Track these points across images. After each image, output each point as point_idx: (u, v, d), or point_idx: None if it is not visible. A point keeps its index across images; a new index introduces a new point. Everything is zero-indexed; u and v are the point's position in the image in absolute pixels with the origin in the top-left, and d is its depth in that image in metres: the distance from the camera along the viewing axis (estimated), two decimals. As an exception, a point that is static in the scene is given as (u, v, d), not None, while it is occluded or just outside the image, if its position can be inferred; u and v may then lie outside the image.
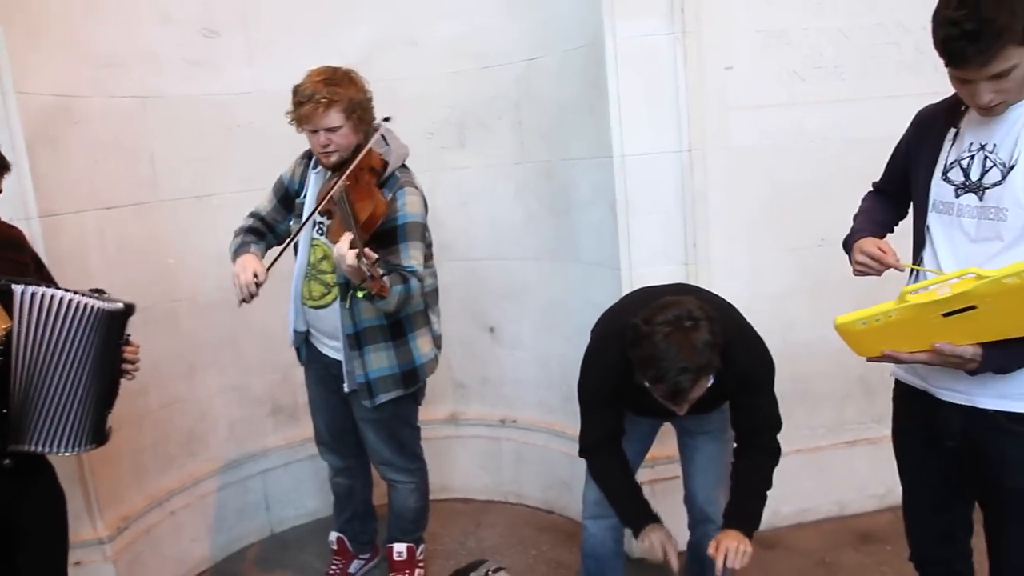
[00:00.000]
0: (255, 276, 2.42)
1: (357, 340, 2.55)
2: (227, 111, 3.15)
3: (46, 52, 2.69)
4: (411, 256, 2.46)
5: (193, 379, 3.22)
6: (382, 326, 2.56)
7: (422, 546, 3.01)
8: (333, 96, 2.39)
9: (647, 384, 1.87)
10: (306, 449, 3.28)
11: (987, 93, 1.59)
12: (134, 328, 2.94)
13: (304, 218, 2.54)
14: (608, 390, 2.12)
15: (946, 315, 1.58)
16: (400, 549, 2.92)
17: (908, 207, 1.94)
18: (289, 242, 2.54)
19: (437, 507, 3.51)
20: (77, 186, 2.78)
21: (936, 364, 1.68)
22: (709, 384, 1.93)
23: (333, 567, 3.06)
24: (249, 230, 2.69)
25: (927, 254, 1.82)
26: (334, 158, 2.47)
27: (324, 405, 2.82)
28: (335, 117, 2.41)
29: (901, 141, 1.99)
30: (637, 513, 2.17)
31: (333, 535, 3.06)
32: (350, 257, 2.13)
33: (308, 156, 2.67)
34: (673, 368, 1.80)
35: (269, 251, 2.69)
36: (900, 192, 1.95)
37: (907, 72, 2.98)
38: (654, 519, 2.15)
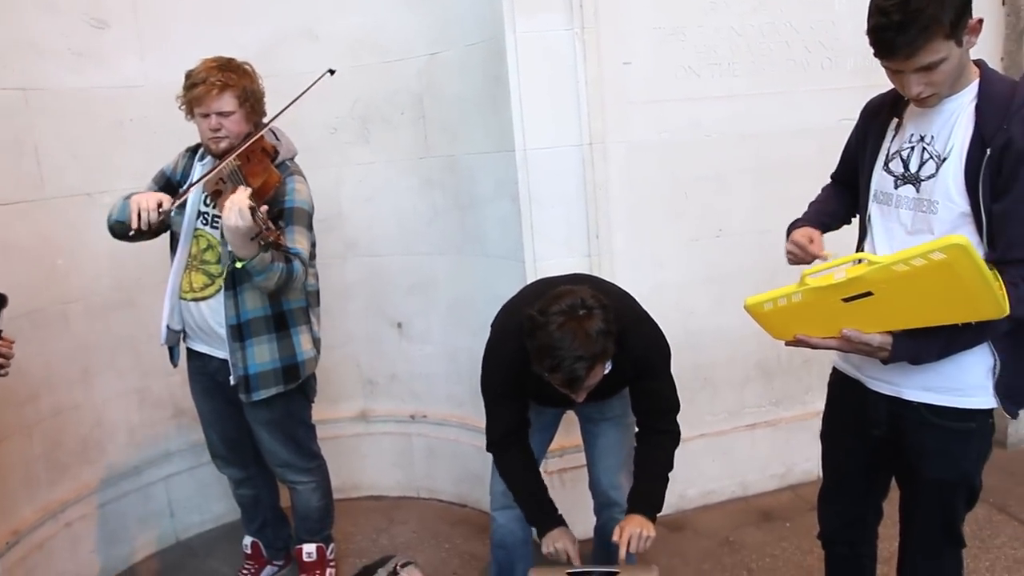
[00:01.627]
0: (160, 204, 2.34)
1: (240, 332, 2.50)
2: (117, 105, 3.03)
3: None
4: (296, 240, 2.43)
5: (88, 383, 3.09)
6: (266, 317, 2.52)
7: (332, 545, 2.97)
8: (228, 80, 2.37)
9: (544, 373, 1.90)
10: (211, 452, 3.20)
11: (916, 85, 1.60)
12: (21, 332, 2.81)
13: (195, 179, 2.47)
14: (510, 382, 2.14)
15: (847, 300, 1.60)
16: (309, 550, 2.88)
17: None
18: (195, 182, 2.46)
19: (349, 505, 3.49)
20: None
21: (847, 351, 1.72)
22: (606, 371, 1.97)
23: (245, 571, 3.00)
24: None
25: (867, 245, 1.85)
26: (223, 144, 2.42)
27: (215, 417, 2.75)
28: (228, 101, 2.38)
29: (852, 132, 2.00)
30: (541, 514, 2.20)
31: (248, 539, 3.00)
32: (244, 205, 2.09)
33: (192, 150, 2.62)
34: (569, 357, 1.83)
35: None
36: (853, 182, 1.96)
37: (797, 69, 3.10)
38: (557, 521, 2.19)
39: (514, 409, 2.21)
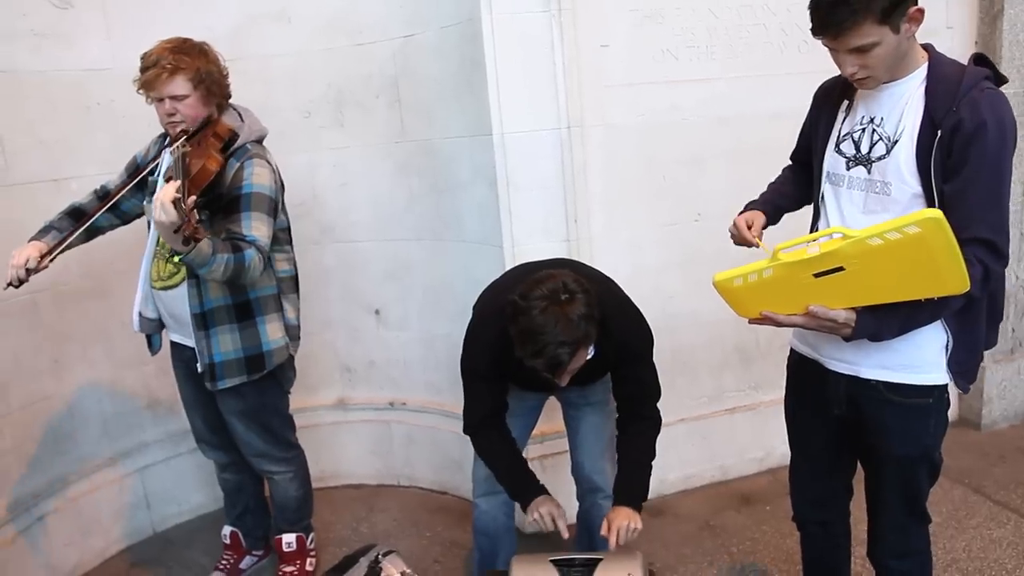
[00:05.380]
0: (26, 262, 2.32)
1: (204, 321, 2.45)
2: (83, 89, 2.95)
3: None
4: (253, 226, 2.36)
5: (59, 375, 3.03)
6: (228, 306, 2.46)
7: (311, 534, 2.95)
8: (179, 63, 2.30)
9: (527, 359, 1.88)
10: (188, 442, 3.12)
11: (850, 65, 1.65)
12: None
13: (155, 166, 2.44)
14: (490, 366, 2.12)
15: (817, 276, 1.61)
16: (289, 539, 2.86)
17: None
18: (87, 221, 2.44)
19: (328, 494, 3.47)
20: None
21: (812, 328, 1.73)
22: (589, 356, 1.96)
23: (224, 562, 2.96)
24: (68, 213, 2.57)
25: (821, 225, 1.88)
26: (180, 128, 2.36)
27: (197, 402, 2.70)
28: (180, 85, 2.31)
29: (807, 113, 2.03)
30: (523, 486, 2.19)
31: (227, 529, 2.96)
32: (168, 199, 2.02)
33: (164, 135, 2.55)
34: (552, 342, 1.82)
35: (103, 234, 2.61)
36: (810, 162, 1.98)
37: (774, 52, 3.10)
38: (541, 491, 2.17)
39: (493, 392, 2.19)
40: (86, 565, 3.10)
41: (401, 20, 3.11)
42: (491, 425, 2.21)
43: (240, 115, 2.50)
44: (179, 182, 2.08)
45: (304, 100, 3.28)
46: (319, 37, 3.19)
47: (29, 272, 2.33)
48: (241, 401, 2.57)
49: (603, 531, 2.06)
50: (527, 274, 2.00)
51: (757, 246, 1.88)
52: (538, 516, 2.12)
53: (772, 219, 2.04)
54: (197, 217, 2.08)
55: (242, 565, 2.98)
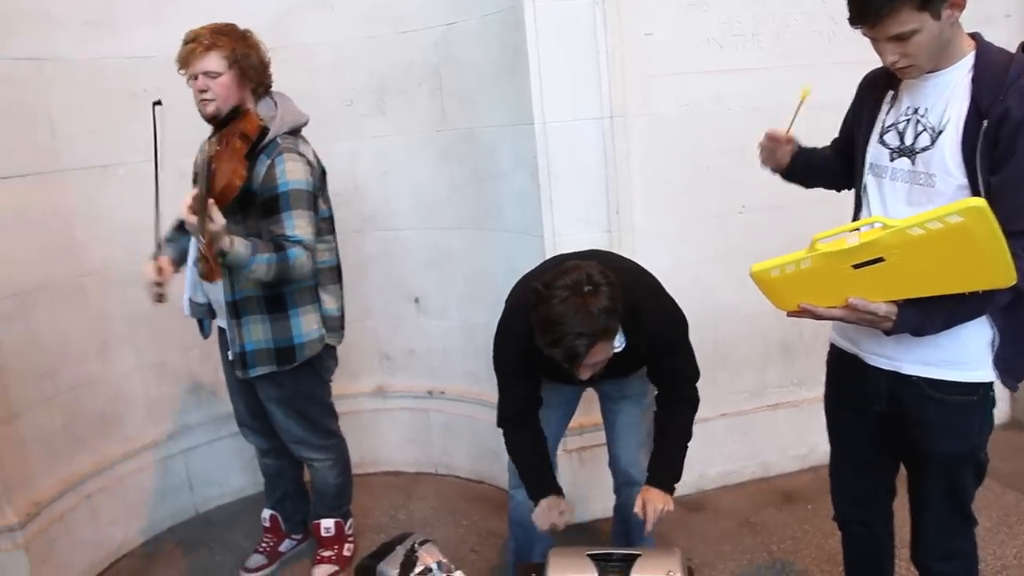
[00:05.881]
0: (158, 274, 2.41)
1: (235, 309, 2.48)
2: (129, 76, 2.99)
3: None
4: (296, 225, 2.37)
5: (106, 357, 3.09)
6: (258, 298, 2.48)
7: (350, 520, 2.98)
8: (216, 41, 2.32)
9: (544, 348, 1.86)
10: (230, 426, 3.18)
11: (890, 54, 1.60)
12: (38, 304, 2.84)
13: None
14: (520, 359, 2.11)
15: (857, 267, 1.56)
16: (328, 525, 2.89)
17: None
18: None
19: (366, 480, 3.49)
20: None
21: (852, 321, 1.69)
22: (618, 349, 1.94)
23: (264, 545, 3.00)
24: (177, 227, 2.59)
25: (863, 217, 1.83)
26: (211, 108, 2.37)
27: (239, 387, 2.73)
28: (214, 61, 2.33)
29: (850, 104, 1.99)
30: (538, 486, 2.18)
31: (267, 512, 3.00)
32: (188, 214, 2.08)
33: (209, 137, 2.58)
34: (570, 332, 1.79)
35: None
36: (849, 153, 1.93)
37: (822, 41, 3.02)
38: (554, 492, 2.17)
39: (525, 387, 2.18)
40: (130, 543, 3.18)
41: (443, 8, 3.10)
42: (523, 421, 2.21)
43: (276, 103, 2.49)
44: (200, 192, 2.10)
45: (346, 88, 3.29)
46: (361, 25, 3.20)
47: (159, 285, 2.41)
48: (278, 389, 2.59)
49: (636, 508, 2.06)
50: (556, 265, 1.98)
51: (787, 134, 1.94)
52: (538, 512, 2.13)
53: (799, 161, 2.03)
54: (218, 250, 2.15)
55: (281, 548, 3.02)
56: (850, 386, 1.94)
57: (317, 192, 2.50)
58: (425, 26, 3.16)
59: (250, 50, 2.40)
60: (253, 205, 2.39)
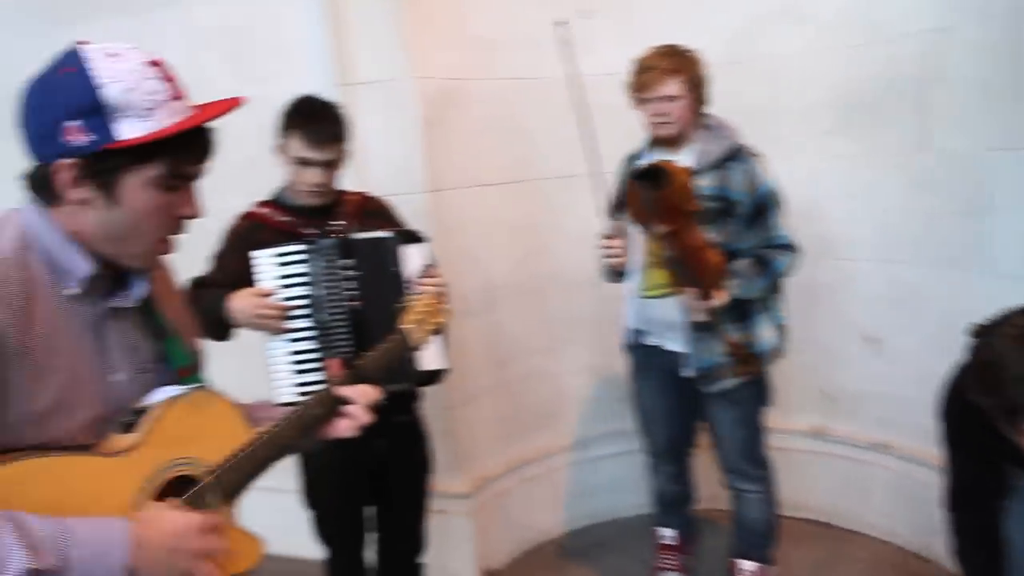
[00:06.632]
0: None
1: (699, 324, 2.42)
2: (593, 91, 3.13)
3: (437, 37, 2.93)
4: (783, 224, 2.41)
5: (552, 355, 3.32)
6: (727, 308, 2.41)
7: (774, 569, 2.75)
8: (677, 66, 2.37)
9: (978, 400, 1.51)
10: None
11: None
12: (506, 300, 3.12)
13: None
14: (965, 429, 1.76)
15: None
16: (751, 568, 2.71)
17: None
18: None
19: (790, 525, 3.20)
20: (459, 164, 3.00)
21: None
22: None
23: (666, 563, 2.94)
24: None
25: None
26: (668, 130, 2.42)
27: (666, 416, 2.71)
28: (676, 86, 2.37)
29: None
30: None
31: (667, 531, 2.94)
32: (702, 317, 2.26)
33: (630, 157, 2.64)
34: (1013, 377, 1.44)
35: None
36: None
37: None
38: None
39: (978, 469, 1.82)
40: (554, 532, 3.37)
41: (930, 12, 2.72)
42: (974, 513, 1.84)
43: (708, 124, 2.48)
44: (695, 295, 2.29)
45: (809, 103, 3.06)
46: (830, 34, 2.96)
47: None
48: (733, 407, 2.53)
49: None
50: None
51: None
52: None
53: None
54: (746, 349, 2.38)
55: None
56: None
57: None
58: (905, 34, 2.79)
59: (704, 73, 2.44)
60: (731, 215, 2.39)
